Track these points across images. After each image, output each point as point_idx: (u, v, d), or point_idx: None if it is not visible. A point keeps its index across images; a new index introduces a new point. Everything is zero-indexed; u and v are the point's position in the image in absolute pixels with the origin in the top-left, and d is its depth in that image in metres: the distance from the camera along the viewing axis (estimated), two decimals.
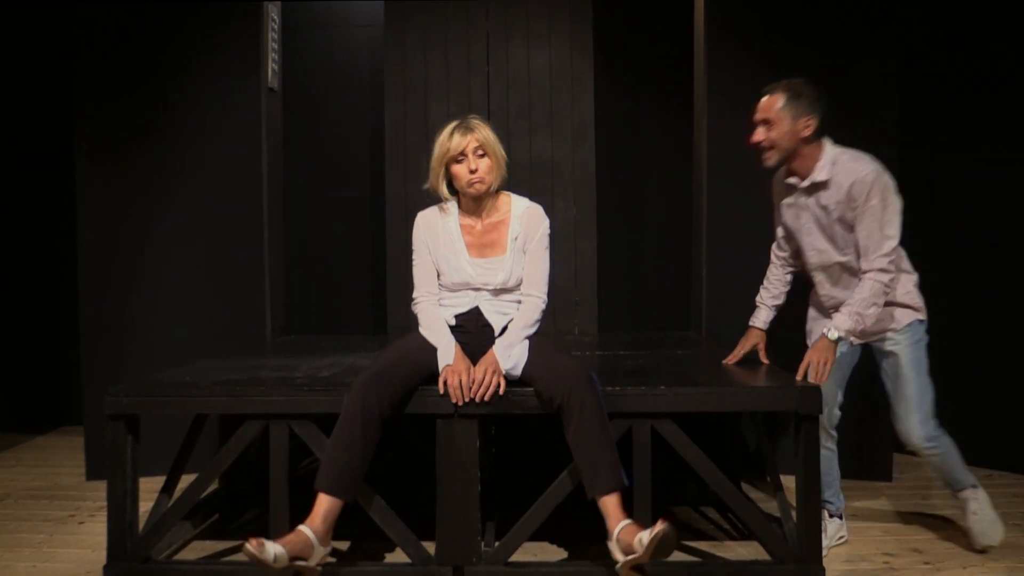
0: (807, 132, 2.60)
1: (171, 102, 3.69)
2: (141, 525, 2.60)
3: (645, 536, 2.13)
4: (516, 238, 2.59)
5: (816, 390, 2.45)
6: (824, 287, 2.75)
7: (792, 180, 2.69)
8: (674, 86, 4.35)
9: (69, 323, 4.56)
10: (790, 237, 2.83)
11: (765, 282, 2.94)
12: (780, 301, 2.91)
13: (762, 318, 2.90)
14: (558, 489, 2.43)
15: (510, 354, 2.47)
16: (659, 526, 2.11)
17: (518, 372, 2.46)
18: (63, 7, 4.43)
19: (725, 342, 3.55)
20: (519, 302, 2.62)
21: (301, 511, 2.65)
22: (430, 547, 2.50)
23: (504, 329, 2.58)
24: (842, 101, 3.58)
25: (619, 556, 2.21)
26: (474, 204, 2.61)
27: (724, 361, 2.87)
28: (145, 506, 2.70)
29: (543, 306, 2.60)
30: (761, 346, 2.87)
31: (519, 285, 2.61)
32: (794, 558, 2.47)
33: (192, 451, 2.87)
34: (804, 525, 2.46)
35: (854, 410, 3.58)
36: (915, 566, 2.62)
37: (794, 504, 2.56)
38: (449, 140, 2.53)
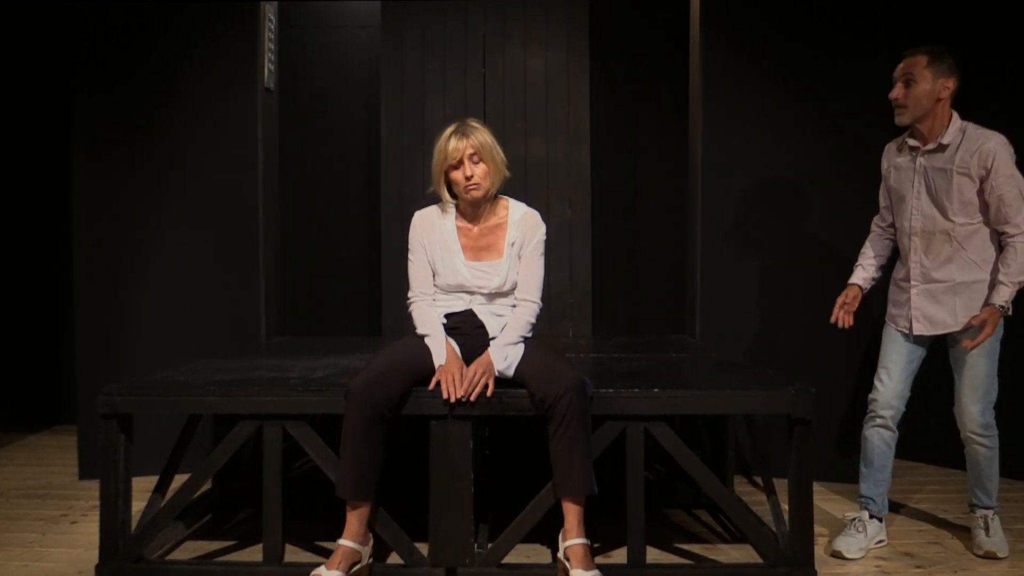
0: (945, 94, 2.67)
1: (168, 102, 3.69)
2: (134, 525, 2.59)
3: None
4: (513, 243, 2.60)
5: (809, 393, 2.46)
6: (916, 254, 2.76)
7: (913, 142, 2.74)
8: (669, 89, 4.37)
9: (64, 322, 4.56)
10: (891, 207, 2.88)
11: (864, 248, 2.98)
12: (877, 263, 2.94)
13: (859, 275, 2.93)
14: (551, 491, 2.43)
15: (505, 355, 2.48)
16: None
17: (511, 372, 2.47)
18: (61, 7, 4.43)
19: (719, 345, 3.57)
20: (513, 307, 2.63)
21: (294, 512, 2.65)
22: (423, 548, 2.51)
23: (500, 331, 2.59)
24: (835, 107, 3.61)
25: (561, 554, 2.38)
26: (472, 208, 2.61)
27: (831, 320, 2.88)
28: (138, 506, 2.70)
29: (538, 311, 2.62)
30: (851, 298, 2.88)
31: (514, 290, 2.62)
32: (786, 561, 2.48)
33: (185, 451, 2.86)
34: (796, 528, 2.47)
35: (845, 416, 3.61)
36: (906, 570, 2.63)
37: (787, 507, 2.56)
38: (446, 146, 2.52)
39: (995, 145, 2.62)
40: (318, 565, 2.37)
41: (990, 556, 2.70)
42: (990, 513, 2.78)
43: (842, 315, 2.90)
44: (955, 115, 2.71)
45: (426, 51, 4.09)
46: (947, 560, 2.71)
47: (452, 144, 2.51)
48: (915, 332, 2.77)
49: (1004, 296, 2.61)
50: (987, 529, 2.75)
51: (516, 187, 3.87)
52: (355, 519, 2.40)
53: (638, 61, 4.53)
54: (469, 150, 2.51)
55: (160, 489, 2.74)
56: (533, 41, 4.09)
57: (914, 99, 2.67)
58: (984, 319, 2.61)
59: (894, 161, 2.84)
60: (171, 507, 2.57)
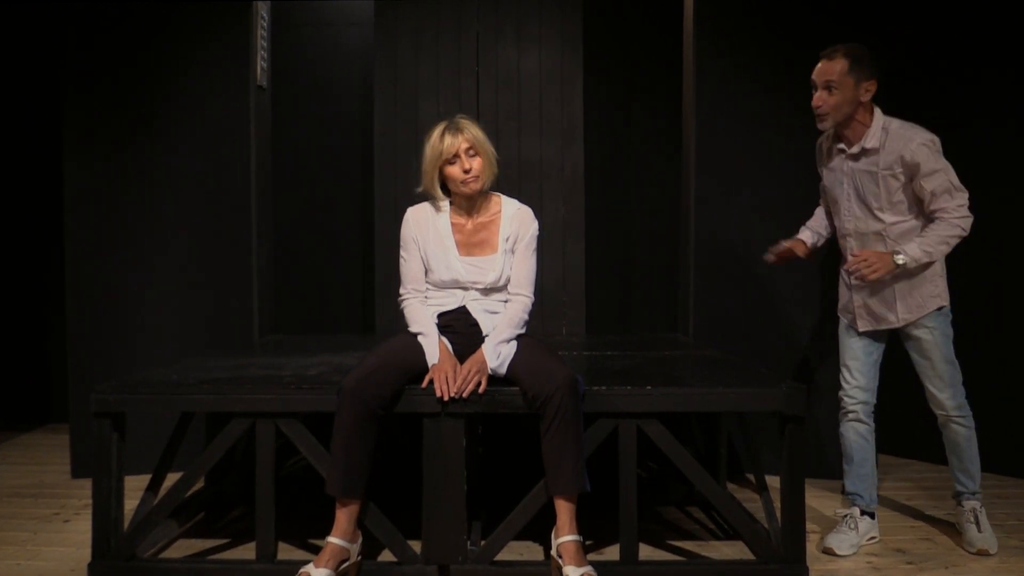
0: (867, 97, 2.66)
1: (160, 99, 3.68)
2: (126, 523, 2.59)
3: (573, 573, 2.29)
4: (507, 238, 2.62)
5: (801, 391, 2.47)
6: (853, 254, 2.77)
7: (840, 145, 2.75)
8: (663, 88, 4.37)
9: (56, 320, 4.54)
10: (828, 205, 2.91)
11: (812, 217, 3.02)
12: (821, 231, 2.97)
13: (806, 235, 2.97)
14: (544, 489, 2.43)
15: (498, 352, 2.49)
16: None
17: (504, 370, 2.48)
18: (53, 4, 4.41)
19: (712, 343, 3.58)
20: (507, 302, 2.63)
21: (287, 510, 2.65)
22: (416, 546, 2.51)
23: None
24: None
25: (554, 552, 2.40)
26: (466, 203, 2.63)
27: (766, 256, 2.96)
28: (130, 504, 2.69)
29: (530, 305, 2.62)
30: (800, 250, 2.92)
31: (507, 285, 2.63)
32: (778, 558, 2.49)
33: (178, 449, 2.86)
34: (788, 525, 2.48)
35: (837, 413, 3.62)
36: (898, 566, 2.64)
37: (779, 504, 2.57)
38: (441, 142, 2.55)
39: (918, 145, 2.60)
40: (309, 563, 2.37)
41: (983, 553, 2.71)
42: (978, 505, 2.80)
43: (776, 255, 2.94)
44: (877, 113, 2.70)
45: (419, 49, 4.09)
46: (938, 556, 2.72)
47: (448, 140, 2.54)
48: (860, 328, 2.81)
49: (909, 250, 2.61)
50: (978, 524, 2.76)
51: (510, 185, 3.88)
52: (344, 516, 2.40)
53: (632, 59, 4.54)
54: (465, 144, 2.54)
55: (153, 487, 2.74)
56: (527, 39, 4.09)
57: (835, 106, 2.65)
58: (872, 257, 2.61)
59: (824, 162, 2.86)
60: (164, 505, 2.56)
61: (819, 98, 2.68)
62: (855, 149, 2.70)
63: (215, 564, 2.60)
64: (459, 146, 2.53)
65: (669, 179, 4.30)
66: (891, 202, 2.67)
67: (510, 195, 2.73)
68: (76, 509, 3.21)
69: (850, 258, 2.74)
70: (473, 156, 2.55)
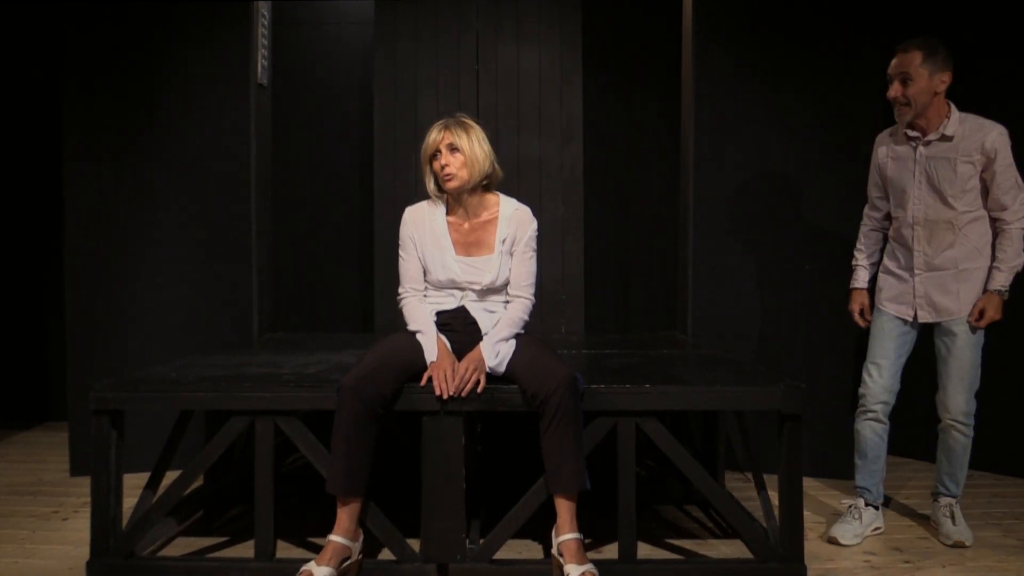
0: (942, 88, 2.71)
1: (160, 97, 3.68)
2: (125, 521, 2.59)
3: (574, 572, 2.29)
4: (504, 240, 2.61)
5: (799, 390, 2.47)
6: (919, 243, 2.79)
7: (913, 133, 2.78)
8: (662, 86, 4.38)
9: (54, 318, 4.55)
10: (885, 197, 2.92)
11: (859, 244, 3.04)
12: (875, 259, 3.02)
13: (862, 278, 3.01)
14: (543, 487, 2.43)
15: (497, 351, 2.49)
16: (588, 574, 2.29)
17: (502, 369, 2.48)
18: (52, 4, 4.41)
19: (710, 341, 3.58)
20: (505, 302, 2.63)
21: (286, 508, 2.65)
22: (415, 544, 2.51)
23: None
24: (827, 103, 3.62)
25: (555, 550, 2.41)
26: (459, 201, 2.62)
27: (863, 323, 3.00)
28: (129, 502, 2.70)
29: (531, 307, 2.62)
30: (866, 304, 2.98)
31: (505, 286, 2.63)
32: (776, 556, 2.49)
33: (177, 448, 2.86)
34: (786, 524, 2.48)
35: (838, 410, 3.62)
36: (895, 564, 2.65)
37: (777, 503, 2.57)
38: (428, 137, 2.59)
39: (998, 135, 2.69)
40: (310, 561, 2.38)
41: (959, 545, 2.76)
42: (954, 502, 2.85)
43: (863, 321, 3.00)
44: (952, 105, 2.75)
45: (419, 48, 4.09)
46: (936, 555, 2.72)
47: (432, 135, 2.58)
48: (920, 320, 2.81)
49: (1000, 281, 2.71)
50: (953, 518, 2.82)
51: (509, 184, 3.87)
52: (345, 515, 2.41)
53: (630, 58, 4.54)
54: (447, 141, 2.55)
55: (152, 485, 2.74)
56: (526, 38, 4.09)
57: (912, 97, 2.70)
58: (983, 307, 2.70)
59: (893, 150, 2.86)
60: (162, 503, 2.56)
61: (895, 90, 2.73)
62: (933, 136, 2.74)
63: (214, 562, 2.60)
64: (440, 142, 2.55)
65: (668, 176, 4.30)
66: (964, 190, 2.71)
67: (509, 193, 2.72)
68: (75, 507, 3.21)
69: (917, 248, 2.80)
70: (454, 153, 2.55)
